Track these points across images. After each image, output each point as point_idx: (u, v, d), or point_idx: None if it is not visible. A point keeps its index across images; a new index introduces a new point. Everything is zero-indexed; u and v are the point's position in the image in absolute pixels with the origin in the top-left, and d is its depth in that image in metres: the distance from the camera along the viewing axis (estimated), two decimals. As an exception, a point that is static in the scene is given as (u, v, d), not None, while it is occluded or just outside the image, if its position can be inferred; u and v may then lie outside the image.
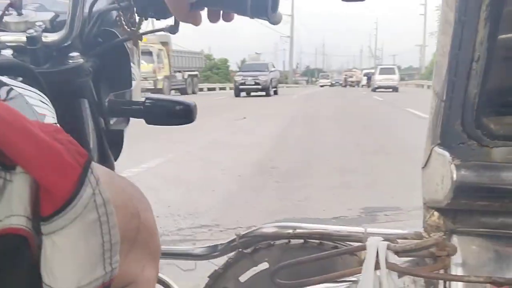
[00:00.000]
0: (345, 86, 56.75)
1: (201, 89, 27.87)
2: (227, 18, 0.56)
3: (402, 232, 0.76)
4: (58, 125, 0.58)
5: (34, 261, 0.36)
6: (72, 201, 0.35)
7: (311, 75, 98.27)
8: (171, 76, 21.23)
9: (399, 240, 0.71)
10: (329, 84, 62.77)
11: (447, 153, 0.65)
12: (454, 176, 0.63)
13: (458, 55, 0.62)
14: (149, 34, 0.84)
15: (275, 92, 24.98)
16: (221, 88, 31.37)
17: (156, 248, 0.56)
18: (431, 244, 0.67)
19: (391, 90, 30.30)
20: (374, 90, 31.62)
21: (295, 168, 4.86)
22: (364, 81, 47.56)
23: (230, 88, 27.45)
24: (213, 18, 0.56)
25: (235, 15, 0.55)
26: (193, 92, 23.79)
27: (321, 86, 59.47)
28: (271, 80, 23.22)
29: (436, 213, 0.72)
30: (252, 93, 22.96)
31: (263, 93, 22.58)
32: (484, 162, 0.65)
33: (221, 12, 0.55)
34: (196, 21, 0.56)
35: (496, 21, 0.60)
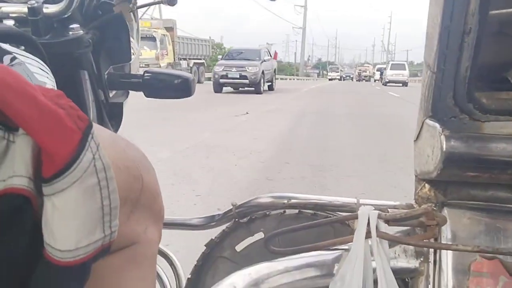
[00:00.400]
0: (358, 80, 56.38)
1: (208, 78, 27.50)
2: None
3: (393, 203, 0.77)
4: None
5: (36, 220, 0.37)
6: (72, 165, 0.36)
7: (322, 67, 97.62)
8: (175, 63, 20.20)
9: (390, 210, 0.72)
10: (338, 77, 61.46)
11: (437, 125, 0.66)
12: (444, 146, 0.64)
13: (449, 27, 0.63)
14: (150, 18, 0.85)
15: (270, 88, 19.13)
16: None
17: (159, 210, 0.56)
18: (421, 213, 0.68)
19: (401, 84, 30.78)
20: (385, 84, 32.21)
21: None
22: (377, 75, 47.68)
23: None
24: None
25: None
26: (199, 81, 22.87)
27: (330, 79, 58.62)
28: (262, 73, 16.82)
29: (427, 185, 0.72)
30: (240, 88, 17.31)
31: (252, 88, 16.69)
32: (474, 133, 0.65)
33: None
34: None
35: None
